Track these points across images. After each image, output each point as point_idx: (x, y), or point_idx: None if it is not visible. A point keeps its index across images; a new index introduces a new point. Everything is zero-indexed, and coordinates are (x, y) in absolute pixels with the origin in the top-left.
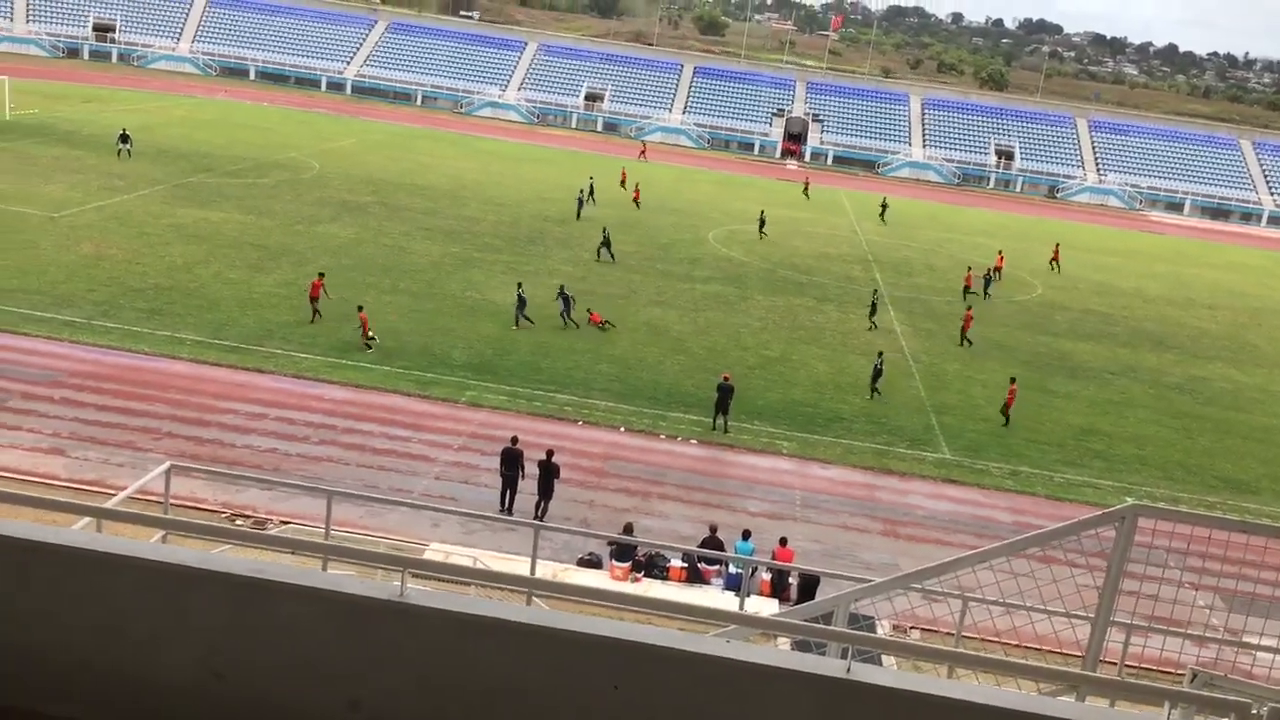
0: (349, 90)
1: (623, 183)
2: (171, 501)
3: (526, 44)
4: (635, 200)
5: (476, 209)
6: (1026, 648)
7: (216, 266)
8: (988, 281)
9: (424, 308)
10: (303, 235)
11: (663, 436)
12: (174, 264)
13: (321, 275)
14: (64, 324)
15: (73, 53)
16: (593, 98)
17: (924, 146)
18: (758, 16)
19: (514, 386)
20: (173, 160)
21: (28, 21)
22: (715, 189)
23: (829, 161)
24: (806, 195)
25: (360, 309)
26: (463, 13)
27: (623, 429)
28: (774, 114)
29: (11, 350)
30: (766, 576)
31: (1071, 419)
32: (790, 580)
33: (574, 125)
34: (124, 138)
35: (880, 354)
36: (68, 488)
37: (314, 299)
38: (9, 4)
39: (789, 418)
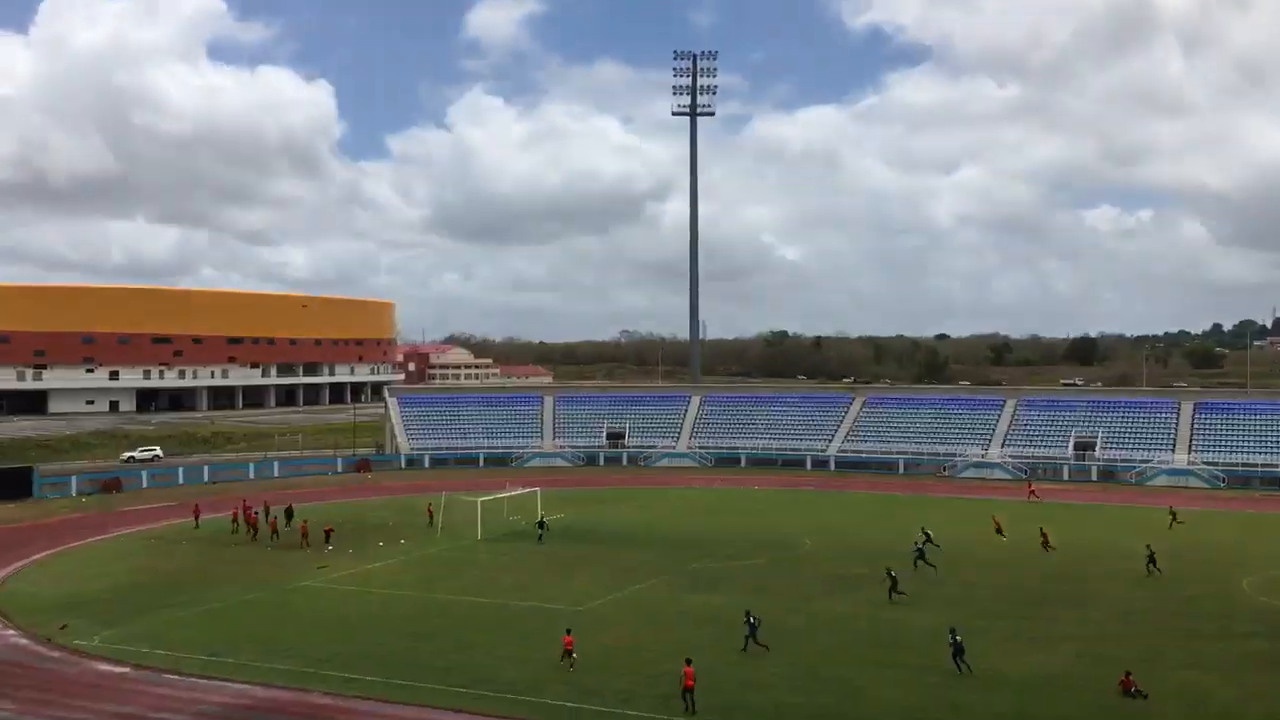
0: (832, 466)
1: (998, 530)
2: None
3: (1005, 401)
4: (1044, 544)
5: (974, 573)
6: None
7: (721, 650)
8: None
9: (927, 681)
10: (799, 612)
11: None
12: (683, 649)
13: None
14: (592, 713)
15: (591, 460)
16: (1083, 446)
17: None
18: (1258, 343)
19: None
20: (676, 549)
21: (554, 438)
22: (1242, 532)
23: None
24: (1176, 520)
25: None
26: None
27: None
28: None
29: None
30: None
31: None
32: None
33: (1065, 477)
34: (541, 524)
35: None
36: None
37: (568, 651)
38: (540, 424)
39: None
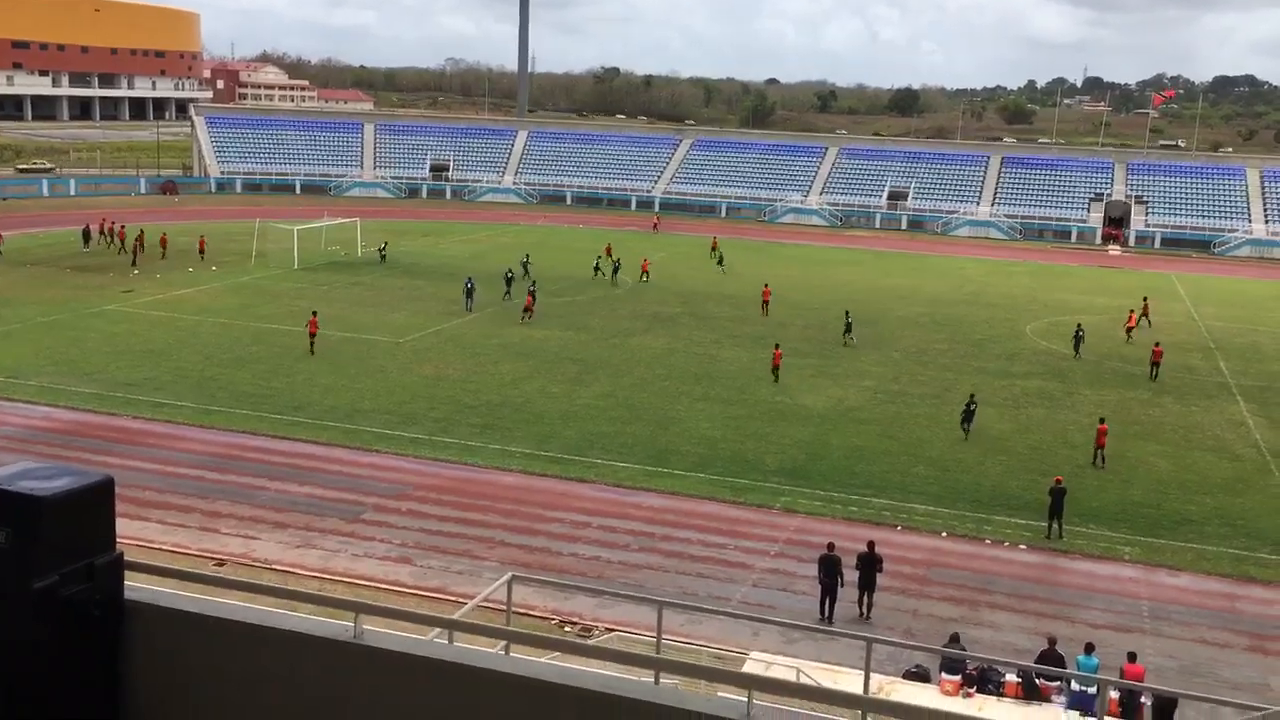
0: (657, 207)
1: (597, 268)
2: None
3: (827, 149)
4: (644, 272)
5: (784, 314)
6: None
7: (541, 381)
8: (1078, 340)
9: (735, 414)
10: (618, 348)
11: (988, 541)
12: (503, 380)
13: (315, 313)
14: (409, 440)
15: (413, 192)
16: (896, 196)
17: (1266, 222)
18: (1067, 101)
19: (829, 491)
20: (499, 284)
21: (375, 168)
22: (1031, 281)
23: (1157, 245)
24: (717, 257)
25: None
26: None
27: (945, 534)
28: (1091, 199)
29: (366, 466)
30: (1114, 695)
31: None
32: (1143, 700)
33: (878, 225)
34: (381, 251)
35: (972, 395)
36: (415, 595)
37: (313, 335)
38: (359, 153)
39: (1129, 520)
